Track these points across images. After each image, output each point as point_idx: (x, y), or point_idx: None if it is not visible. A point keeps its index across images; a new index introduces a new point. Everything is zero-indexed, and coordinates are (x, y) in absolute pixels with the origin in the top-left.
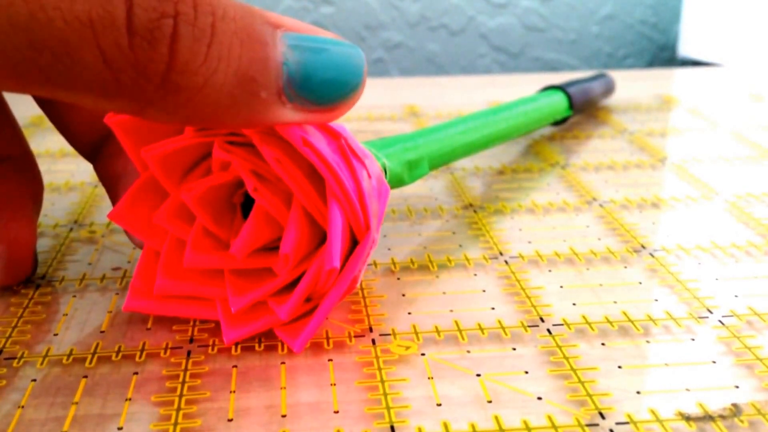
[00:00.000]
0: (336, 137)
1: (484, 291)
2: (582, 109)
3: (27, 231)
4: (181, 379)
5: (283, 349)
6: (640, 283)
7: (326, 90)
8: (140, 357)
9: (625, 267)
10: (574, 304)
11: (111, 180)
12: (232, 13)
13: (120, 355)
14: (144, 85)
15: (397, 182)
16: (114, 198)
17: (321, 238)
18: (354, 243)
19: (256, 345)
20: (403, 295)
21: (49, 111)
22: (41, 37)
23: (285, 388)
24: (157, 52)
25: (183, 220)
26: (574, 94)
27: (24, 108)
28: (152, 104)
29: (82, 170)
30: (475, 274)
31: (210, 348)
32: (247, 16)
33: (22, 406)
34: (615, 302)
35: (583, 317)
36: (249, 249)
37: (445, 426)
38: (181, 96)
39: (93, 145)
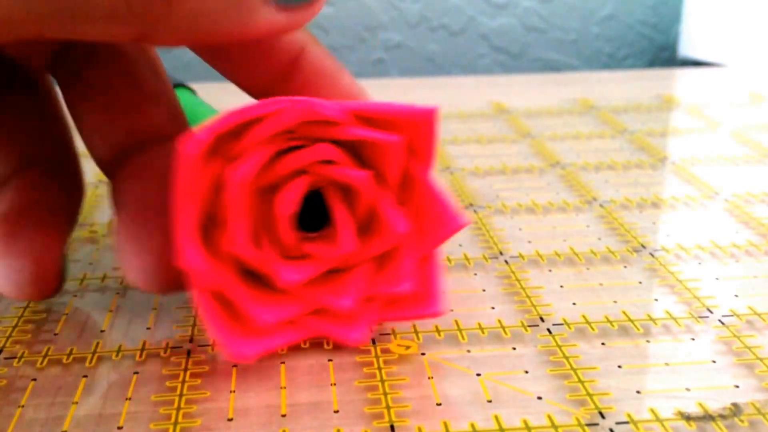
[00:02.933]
0: None
1: (483, 290)
2: None
3: (53, 245)
4: (181, 379)
5: (283, 349)
6: (640, 282)
7: None
8: (140, 356)
9: (625, 267)
10: (574, 304)
11: (115, 206)
12: None
13: (120, 354)
14: (151, 3)
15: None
16: (119, 226)
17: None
18: None
19: None
20: None
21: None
22: None
23: (285, 387)
24: None
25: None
26: None
27: None
28: (159, 23)
29: (84, 170)
30: (475, 274)
31: (210, 348)
32: None
33: (22, 406)
34: (615, 302)
35: (583, 317)
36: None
37: (445, 426)
38: (184, 8)
39: (109, 162)
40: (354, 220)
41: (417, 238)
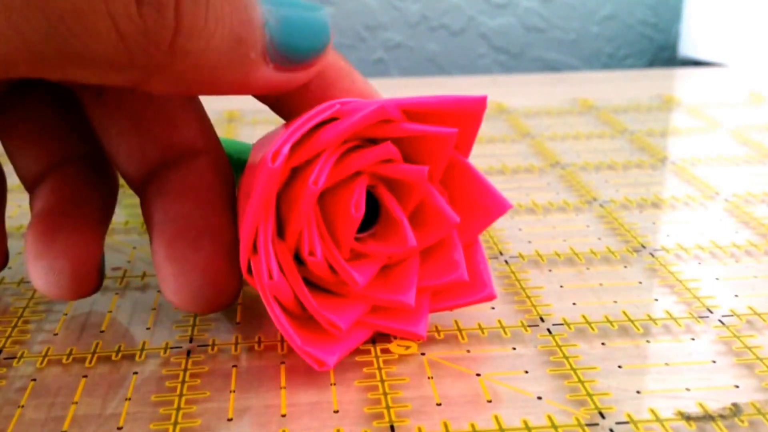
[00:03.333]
0: None
1: None
2: None
3: (92, 244)
4: (180, 379)
5: (282, 349)
6: (640, 282)
7: (302, 47)
8: (140, 357)
9: (625, 267)
10: (574, 304)
11: (149, 224)
12: None
13: (120, 354)
14: (153, 52)
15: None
16: (156, 245)
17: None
18: None
19: (256, 345)
20: None
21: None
22: (55, 10)
23: (285, 387)
24: (165, 17)
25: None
26: None
27: None
28: (159, 72)
29: None
30: None
31: (210, 348)
32: None
33: (22, 406)
34: (615, 302)
35: (583, 317)
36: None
37: (445, 426)
38: (187, 60)
39: (141, 179)
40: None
41: (463, 225)
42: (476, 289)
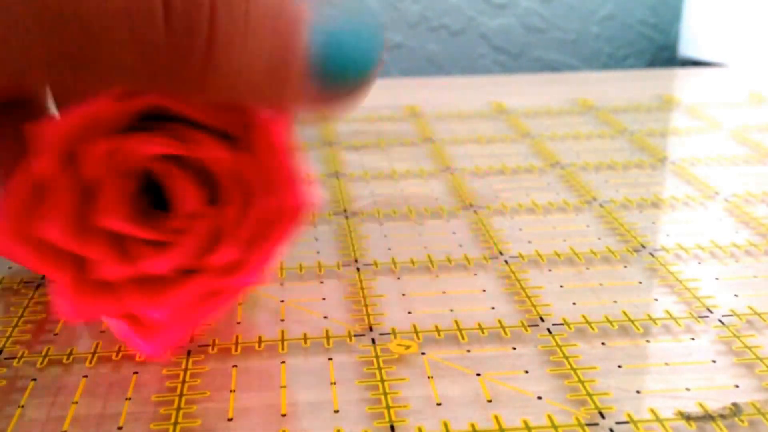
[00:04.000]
0: None
1: (484, 291)
2: None
3: None
4: (181, 379)
5: (283, 348)
6: (640, 282)
7: (348, 75)
8: (140, 357)
9: (625, 267)
10: (574, 304)
11: None
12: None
13: (120, 354)
14: (182, 70)
15: None
16: None
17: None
18: None
19: (256, 345)
20: (404, 295)
21: None
22: (78, 29)
23: (285, 387)
24: (197, 37)
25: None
26: None
27: None
28: (191, 86)
29: None
30: (475, 274)
31: (210, 348)
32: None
33: (22, 406)
34: (615, 302)
35: (583, 317)
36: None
37: (445, 425)
38: (220, 79)
39: None
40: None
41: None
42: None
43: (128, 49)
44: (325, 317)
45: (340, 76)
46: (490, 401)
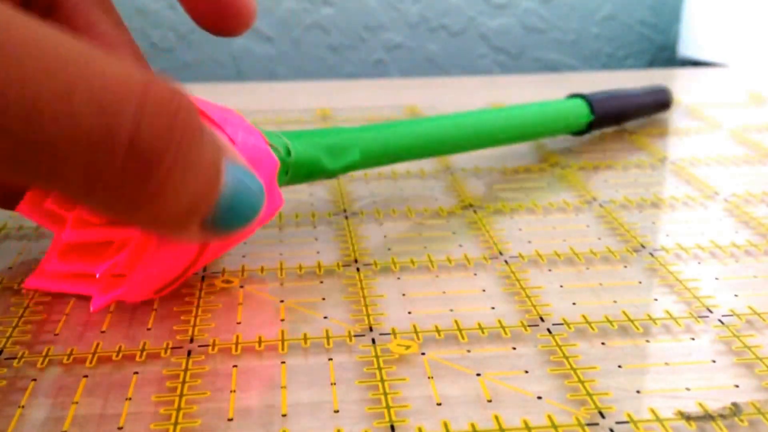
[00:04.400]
0: None
1: (484, 291)
2: (615, 119)
3: None
4: (181, 379)
5: (283, 349)
6: (640, 282)
7: (235, 224)
8: (140, 357)
9: (625, 266)
10: (573, 304)
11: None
12: (208, 142)
13: (120, 355)
14: (122, 201)
15: (315, 166)
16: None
17: None
18: None
19: (256, 345)
20: (404, 295)
21: None
22: (34, 142)
23: (285, 387)
24: (151, 180)
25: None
26: (597, 100)
27: None
28: (121, 211)
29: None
30: (475, 274)
31: (210, 348)
32: (214, 150)
33: (23, 406)
34: (615, 302)
35: (583, 317)
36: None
37: (445, 426)
38: (151, 214)
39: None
40: None
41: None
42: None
43: (76, 170)
44: (325, 317)
45: (230, 226)
46: (490, 401)
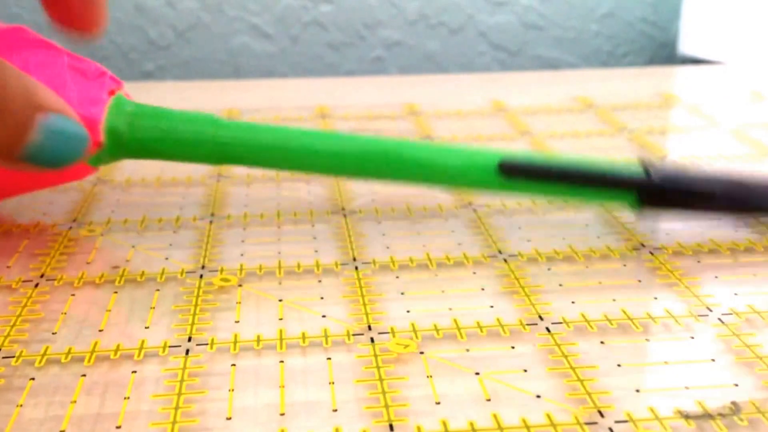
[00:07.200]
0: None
1: (483, 289)
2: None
3: None
4: (179, 378)
5: (281, 347)
6: (640, 281)
7: (51, 164)
8: (139, 356)
9: (625, 265)
10: (573, 303)
11: None
12: (11, 93)
13: (118, 353)
14: None
15: (114, 136)
16: None
17: None
18: None
19: (255, 344)
20: (402, 294)
21: None
22: None
23: (284, 386)
24: None
25: None
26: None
27: None
28: None
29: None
30: (474, 273)
31: (209, 346)
32: (25, 97)
33: (21, 405)
34: (614, 300)
35: (582, 315)
36: None
37: (444, 424)
38: None
39: None
40: None
41: None
42: None
43: None
44: (324, 316)
45: (46, 164)
46: (489, 400)
